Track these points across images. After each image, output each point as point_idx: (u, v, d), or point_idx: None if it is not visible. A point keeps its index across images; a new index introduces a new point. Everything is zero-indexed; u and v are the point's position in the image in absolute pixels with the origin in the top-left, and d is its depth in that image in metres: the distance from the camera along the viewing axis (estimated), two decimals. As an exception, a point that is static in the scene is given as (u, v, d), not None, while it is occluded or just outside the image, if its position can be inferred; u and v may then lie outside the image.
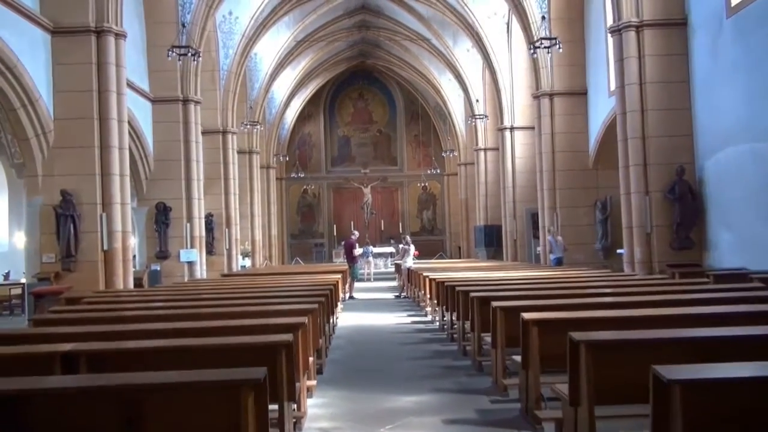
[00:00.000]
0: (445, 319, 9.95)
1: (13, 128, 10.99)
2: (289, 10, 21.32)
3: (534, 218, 19.08)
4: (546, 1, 16.37)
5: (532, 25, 16.42)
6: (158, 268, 15.19)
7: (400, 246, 19.28)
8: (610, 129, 15.02)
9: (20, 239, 17.61)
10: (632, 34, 11.97)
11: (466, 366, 7.28)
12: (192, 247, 15.88)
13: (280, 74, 25.18)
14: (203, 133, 17.01)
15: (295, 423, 4.84)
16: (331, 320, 9.56)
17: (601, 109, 15.94)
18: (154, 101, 15.75)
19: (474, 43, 21.35)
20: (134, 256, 14.33)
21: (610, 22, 13.04)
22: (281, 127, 30.69)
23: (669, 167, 11.76)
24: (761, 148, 10.09)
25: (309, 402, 5.71)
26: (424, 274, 12.70)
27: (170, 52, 14.11)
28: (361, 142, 34.05)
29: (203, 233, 16.63)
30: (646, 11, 11.90)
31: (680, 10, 11.96)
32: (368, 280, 22.64)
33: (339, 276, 13.06)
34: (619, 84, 12.32)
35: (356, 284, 17.62)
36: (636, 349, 3.65)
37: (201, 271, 16.29)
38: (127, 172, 11.99)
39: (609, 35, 12.91)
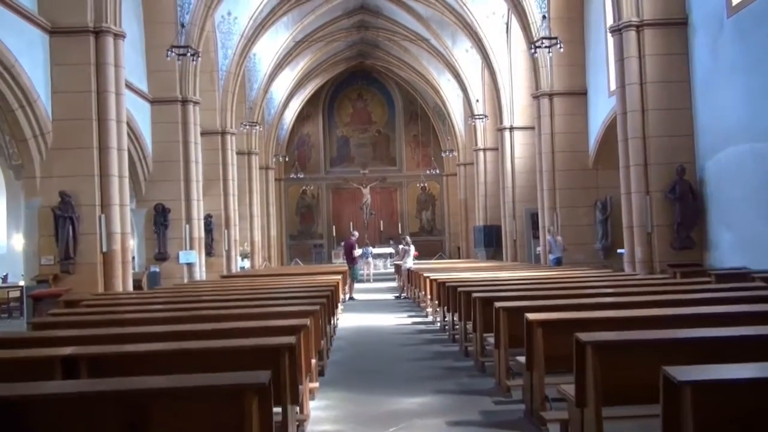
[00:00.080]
0: (446, 319, 9.91)
1: (11, 129, 10.94)
2: (288, 11, 21.28)
3: (533, 218, 19.06)
4: (545, 1, 16.35)
5: (531, 25, 16.40)
6: (157, 270, 15.14)
7: (400, 247, 19.24)
8: (609, 129, 15.00)
9: (18, 241, 17.56)
10: (632, 33, 11.95)
11: (468, 367, 7.25)
12: (191, 248, 15.83)
13: (278, 75, 25.14)
14: (202, 134, 16.97)
15: (298, 426, 4.80)
16: (332, 321, 9.51)
17: (600, 109, 15.92)
18: (152, 102, 15.70)
19: (473, 43, 21.32)
20: (133, 258, 14.28)
21: (610, 21, 13.02)
22: (280, 127, 30.65)
23: (669, 167, 11.74)
24: (762, 147, 10.08)
25: (311, 404, 5.66)
26: (425, 274, 12.66)
27: (169, 53, 14.06)
28: (360, 143, 34.01)
29: (202, 234, 16.58)
30: (647, 11, 11.88)
31: (680, 10, 11.94)
32: (368, 281, 22.60)
33: (339, 277, 13.02)
34: (619, 84, 12.30)
35: (356, 285, 17.57)
36: (643, 349, 3.62)
37: (200, 273, 16.24)
38: (126, 173, 11.94)
39: (609, 35, 12.89)
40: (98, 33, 11.33)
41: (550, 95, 16.79)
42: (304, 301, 7.05)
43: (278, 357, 3.92)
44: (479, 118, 23.72)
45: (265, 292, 8.95)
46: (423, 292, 13.08)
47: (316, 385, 6.14)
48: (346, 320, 12.06)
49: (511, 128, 20.65)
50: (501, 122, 20.97)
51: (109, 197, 11.33)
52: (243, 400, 2.79)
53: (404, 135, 34.01)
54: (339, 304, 12.21)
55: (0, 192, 19.24)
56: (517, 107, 20.62)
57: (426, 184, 33.54)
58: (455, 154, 30.06)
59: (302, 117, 33.09)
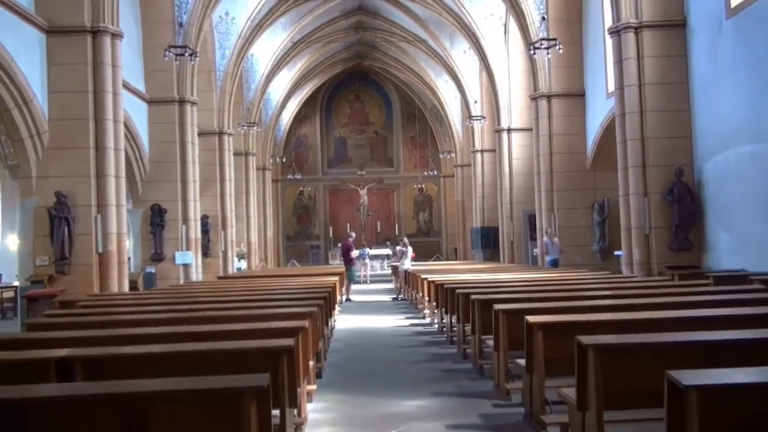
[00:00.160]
0: (444, 321, 9.88)
1: (7, 129, 10.87)
2: (286, 11, 21.24)
3: (531, 220, 19.03)
4: (544, 3, 16.34)
5: (530, 26, 16.39)
6: (153, 271, 15.07)
7: (398, 248, 19.19)
8: (608, 131, 14.99)
9: (13, 241, 17.46)
10: (631, 35, 11.94)
11: (467, 369, 7.21)
12: (187, 249, 15.77)
13: (276, 75, 25.09)
14: (199, 134, 16.90)
15: (295, 429, 4.75)
16: (329, 323, 9.47)
17: (599, 110, 15.91)
18: (149, 102, 15.64)
19: (471, 44, 21.31)
20: (129, 259, 14.20)
21: (608, 23, 13.02)
22: (277, 128, 30.59)
23: (668, 169, 11.73)
24: (760, 149, 10.07)
25: (309, 407, 5.62)
26: (423, 276, 12.62)
27: (167, 52, 14.00)
28: (358, 144, 33.97)
29: (199, 235, 16.51)
30: (645, 12, 11.88)
31: (679, 11, 11.94)
32: (365, 282, 22.55)
33: (336, 278, 12.98)
34: (618, 85, 12.29)
35: (353, 286, 17.52)
36: (645, 353, 3.59)
37: (196, 274, 16.17)
38: (123, 173, 11.88)
39: (608, 36, 12.88)
40: (95, 33, 11.28)
41: (548, 97, 16.78)
42: (301, 303, 7.00)
43: (277, 359, 3.87)
44: (477, 120, 23.70)
45: (263, 293, 8.90)
46: (420, 294, 13.05)
47: (313, 387, 6.09)
48: (343, 322, 12.01)
49: (509, 130, 20.64)
50: (499, 124, 20.96)
51: (105, 197, 11.27)
52: (242, 404, 2.75)
53: (401, 136, 33.99)
54: (336, 306, 12.16)
55: (-5, 192, 19.13)
56: (515, 109, 20.62)
57: (423, 186, 33.52)
58: (453, 155, 30.05)
59: (300, 118, 33.04)
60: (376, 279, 23.98)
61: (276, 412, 3.91)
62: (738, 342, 3.63)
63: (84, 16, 11.17)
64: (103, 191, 11.26)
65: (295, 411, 4.75)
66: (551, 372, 4.72)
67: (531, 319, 4.75)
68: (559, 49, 14.34)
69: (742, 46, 10.41)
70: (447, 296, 8.91)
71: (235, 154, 20.97)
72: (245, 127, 22.92)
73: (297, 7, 21.68)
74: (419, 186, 33.43)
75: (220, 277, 16.45)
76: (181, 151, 15.73)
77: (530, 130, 18.37)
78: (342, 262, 19.38)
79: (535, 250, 18.13)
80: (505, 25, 20.25)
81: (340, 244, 21.09)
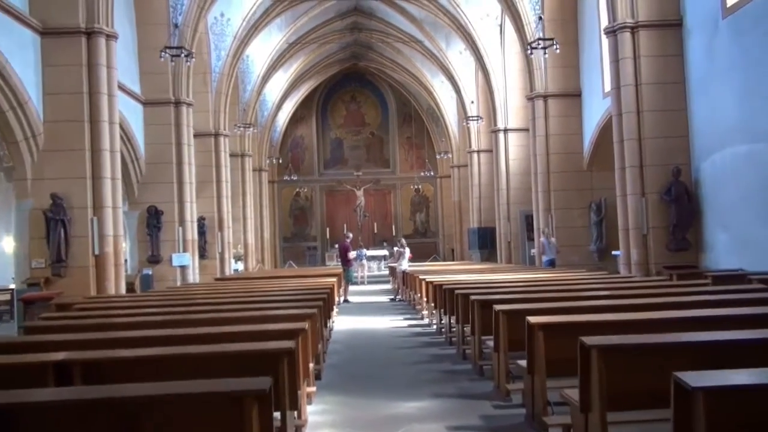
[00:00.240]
0: (442, 322, 9.85)
1: (2, 131, 10.79)
2: (281, 12, 21.19)
3: (528, 220, 19.03)
4: (539, 3, 16.35)
5: (525, 27, 16.39)
6: (150, 273, 14.99)
7: (395, 249, 19.16)
8: (604, 131, 15.00)
9: (9, 244, 17.34)
10: (627, 35, 11.94)
11: (467, 370, 7.18)
12: (184, 251, 15.70)
13: (272, 76, 25.03)
14: (195, 135, 16.83)
15: (296, 431, 4.71)
16: (328, 324, 9.43)
17: (595, 110, 15.92)
18: (145, 104, 15.57)
19: (467, 44, 21.31)
20: (126, 261, 14.13)
21: (604, 23, 13.02)
22: (273, 129, 30.52)
23: (665, 168, 11.73)
24: (757, 148, 10.08)
25: (309, 409, 5.58)
26: (421, 277, 12.59)
27: (163, 53, 13.93)
28: (354, 145, 33.93)
29: (195, 237, 16.44)
30: (641, 12, 11.88)
31: (675, 11, 11.95)
32: (362, 283, 22.51)
33: (334, 279, 12.94)
34: (614, 85, 12.28)
35: (350, 287, 17.49)
36: (649, 353, 3.56)
37: (193, 275, 16.10)
38: (119, 175, 11.81)
39: (604, 36, 12.89)
40: (90, 34, 11.21)
41: (545, 97, 16.77)
42: (300, 304, 6.97)
43: (277, 362, 3.84)
44: (474, 120, 23.69)
45: (261, 295, 8.86)
46: (419, 295, 13.02)
47: (313, 389, 6.06)
48: (341, 323, 11.98)
49: (506, 130, 20.64)
50: (495, 124, 20.96)
51: (101, 199, 11.20)
52: (243, 407, 2.72)
53: (398, 137, 33.97)
54: (334, 307, 12.11)
55: (-10, 194, 19.01)
56: (511, 109, 20.62)
57: (420, 186, 33.50)
58: (449, 156, 30.04)
59: (296, 119, 32.98)
60: (374, 280, 23.94)
61: (276, 414, 3.88)
62: (742, 342, 3.62)
63: (78, 18, 11.10)
64: (99, 193, 11.19)
65: (295, 413, 4.72)
66: (552, 373, 4.69)
67: (532, 319, 4.72)
68: (556, 48, 14.33)
69: (738, 46, 10.42)
70: (446, 297, 8.88)
71: (232, 155, 20.91)
72: (241, 129, 22.86)
73: (292, 8, 21.64)
74: (416, 187, 33.41)
75: (217, 279, 16.40)
76: (177, 152, 15.66)
77: (527, 130, 18.37)
78: (339, 263, 19.32)
79: (533, 251, 18.12)
80: (501, 25, 20.25)
81: (337, 245, 21.03)
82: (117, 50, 11.81)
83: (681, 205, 11.59)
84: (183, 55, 14.30)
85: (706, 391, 2.47)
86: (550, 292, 7.67)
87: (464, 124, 24.88)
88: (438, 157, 32.40)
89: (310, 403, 5.78)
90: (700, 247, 11.70)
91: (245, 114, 23.46)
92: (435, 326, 10.66)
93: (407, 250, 17.21)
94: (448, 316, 9.06)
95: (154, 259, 15.25)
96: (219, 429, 2.78)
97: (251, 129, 23.74)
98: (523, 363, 5.03)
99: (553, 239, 15.98)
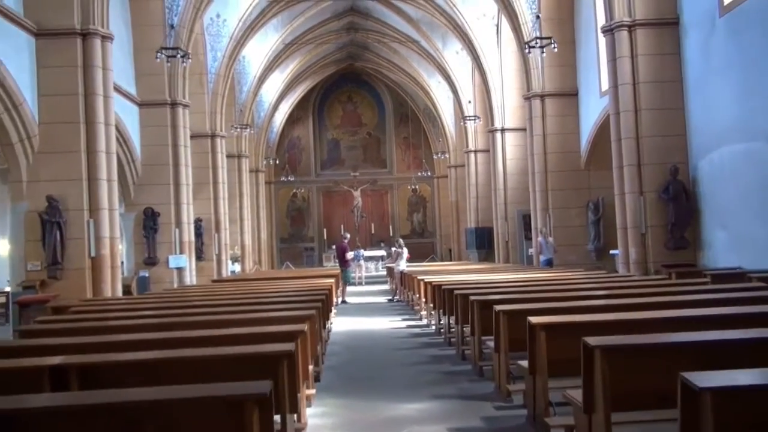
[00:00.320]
0: (441, 322, 9.81)
1: (-3, 133, 10.72)
2: (277, 13, 21.14)
3: (525, 220, 19.01)
4: (536, 2, 16.33)
5: (522, 26, 16.38)
6: (147, 275, 14.92)
7: (393, 249, 19.10)
8: (601, 129, 15.00)
9: (4, 246, 17.25)
10: (625, 33, 11.93)
11: (467, 371, 7.14)
12: (181, 252, 15.64)
13: (268, 77, 24.97)
14: (191, 137, 16.78)
15: (295, 434, 4.67)
16: (326, 326, 9.38)
17: (592, 109, 15.91)
18: (141, 105, 15.50)
19: (463, 44, 21.29)
20: (122, 263, 14.06)
21: (601, 22, 13.00)
22: (270, 130, 30.45)
23: (663, 167, 11.72)
24: (755, 146, 10.07)
25: (308, 411, 5.53)
26: (419, 277, 12.55)
27: (159, 54, 13.87)
28: (351, 145, 33.89)
29: (192, 238, 16.38)
30: (639, 11, 11.87)
31: (672, 10, 11.94)
32: (359, 284, 22.45)
33: (332, 280, 12.90)
34: (612, 84, 12.27)
35: (348, 288, 17.43)
36: (653, 353, 3.53)
37: (190, 277, 16.04)
38: (115, 177, 11.75)
39: (601, 35, 12.87)
40: (85, 35, 11.15)
41: (542, 96, 16.77)
42: (298, 306, 6.91)
43: (277, 364, 3.79)
44: (471, 120, 23.67)
45: (258, 296, 8.81)
46: (417, 295, 12.98)
47: (312, 391, 6.01)
48: (339, 324, 11.92)
49: (503, 130, 20.62)
50: (492, 124, 20.94)
51: (97, 201, 11.14)
52: (243, 411, 2.67)
53: (394, 137, 33.94)
54: (332, 308, 12.06)
55: (-15, 197, 18.90)
56: (508, 108, 20.60)
57: (417, 187, 33.47)
58: (446, 156, 30.02)
59: (292, 120, 32.93)
60: (371, 281, 23.89)
61: (276, 417, 3.83)
62: (747, 342, 3.58)
63: (74, 19, 11.04)
64: (95, 195, 11.12)
65: (295, 416, 4.67)
66: (554, 373, 4.66)
67: (534, 320, 4.69)
68: (554, 47, 14.31)
69: (735, 44, 10.42)
70: (445, 297, 8.84)
71: (228, 156, 20.84)
72: (238, 130, 22.79)
73: (288, 8, 21.58)
74: (413, 187, 33.38)
75: (214, 281, 16.33)
76: (173, 154, 15.60)
77: (524, 129, 18.36)
78: (337, 264, 19.26)
79: (530, 250, 18.10)
80: (498, 25, 20.24)
81: (334, 246, 20.98)
82: (113, 51, 11.74)
83: (679, 204, 11.58)
84: (179, 55, 14.23)
85: (713, 391, 2.44)
86: (550, 292, 7.64)
87: (461, 124, 24.86)
88: (435, 157, 32.38)
89: (309, 405, 5.73)
90: (699, 245, 11.70)
91: (242, 115, 23.39)
92: (434, 327, 10.62)
93: (405, 251, 17.16)
94: (447, 316, 9.02)
95: (151, 261, 15.19)
96: (219, 433, 2.73)
97: (248, 130, 23.68)
98: (524, 363, 4.99)
99: (550, 239, 15.97)
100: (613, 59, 12.14)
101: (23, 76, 10.63)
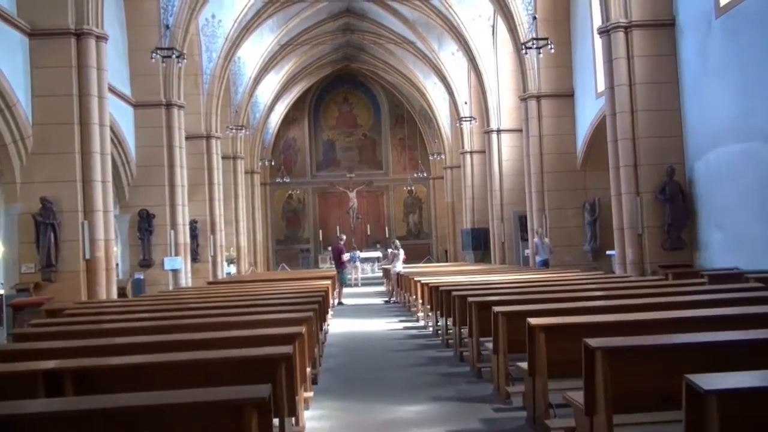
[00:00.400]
0: (438, 324, 9.78)
1: (-10, 134, 10.62)
2: (273, 14, 21.07)
3: (521, 221, 19.01)
4: (532, 3, 16.33)
5: (518, 27, 16.38)
6: (142, 277, 14.83)
7: (389, 251, 19.08)
8: (597, 130, 15.00)
9: (-2, 249, 17.12)
10: (621, 35, 11.93)
11: (465, 372, 7.11)
12: (176, 254, 15.54)
13: (264, 78, 24.89)
14: (187, 138, 16.67)
15: (293, 438, 4.62)
16: (323, 328, 9.33)
17: (588, 110, 15.92)
18: (136, 106, 15.40)
19: (459, 45, 21.28)
20: (117, 265, 13.96)
21: (598, 23, 13.01)
22: (265, 131, 30.36)
23: (659, 168, 11.73)
24: (751, 147, 10.08)
25: (306, 414, 5.49)
26: (416, 278, 12.51)
27: (154, 54, 13.78)
28: (346, 147, 33.83)
29: (188, 240, 16.28)
30: (635, 12, 11.87)
31: (668, 11, 11.95)
32: (356, 285, 22.41)
33: (328, 282, 12.85)
34: (608, 85, 12.27)
35: (344, 290, 17.38)
36: (655, 355, 3.50)
37: (186, 279, 15.94)
38: (110, 178, 11.65)
39: (597, 36, 12.87)
40: (80, 35, 11.06)
41: (538, 97, 16.76)
42: (295, 308, 6.86)
43: (275, 367, 3.75)
44: (467, 121, 23.65)
45: (255, 298, 8.75)
46: (414, 297, 12.94)
47: (310, 394, 5.96)
48: (336, 326, 11.87)
49: (498, 131, 20.61)
50: (488, 125, 20.93)
51: (92, 203, 11.04)
52: (243, 416, 2.63)
53: (390, 138, 33.90)
54: (329, 310, 12.02)
55: (-22, 199, 18.76)
56: (504, 109, 20.60)
57: (413, 188, 33.44)
58: (442, 157, 29.99)
59: (288, 121, 32.84)
60: (367, 282, 23.84)
61: (274, 421, 3.78)
62: (750, 343, 3.56)
63: (68, 19, 10.94)
64: (89, 197, 11.03)
65: (293, 419, 4.62)
66: (554, 374, 4.63)
67: (533, 321, 4.65)
68: (551, 48, 14.30)
69: (731, 45, 10.43)
70: (442, 299, 8.81)
71: (223, 157, 20.75)
72: (233, 131, 22.71)
73: (284, 9, 21.52)
74: (409, 188, 33.35)
75: (210, 283, 16.24)
76: (168, 155, 15.50)
77: (520, 131, 18.35)
78: (333, 266, 19.20)
79: (527, 251, 18.09)
80: (493, 26, 20.23)
81: (330, 248, 20.93)
82: (107, 52, 11.66)
83: (675, 204, 11.58)
84: (174, 56, 14.15)
85: (719, 394, 2.41)
86: (548, 293, 7.61)
87: (457, 125, 24.84)
88: (431, 158, 32.35)
89: (307, 408, 5.68)
90: (695, 245, 11.70)
91: (237, 116, 23.31)
92: (431, 328, 10.58)
93: (401, 252, 17.13)
94: (444, 318, 8.99)
95: (146, 263, 15.09)
96: (217, 438, 2.68)
97: (243, 131, 23.60)
98: (523, 365, 4.96)
99: (546, 239, 15.96)
100: (609, 60, 12.14)
101: (17, 76, 10.53)
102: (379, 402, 5.96)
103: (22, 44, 10.76)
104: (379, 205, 33.67)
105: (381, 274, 23.48)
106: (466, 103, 24.07)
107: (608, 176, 12.60)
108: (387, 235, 31.42)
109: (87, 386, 3.59)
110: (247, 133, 25.05)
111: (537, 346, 4.64)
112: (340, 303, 16.16)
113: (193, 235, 17.55)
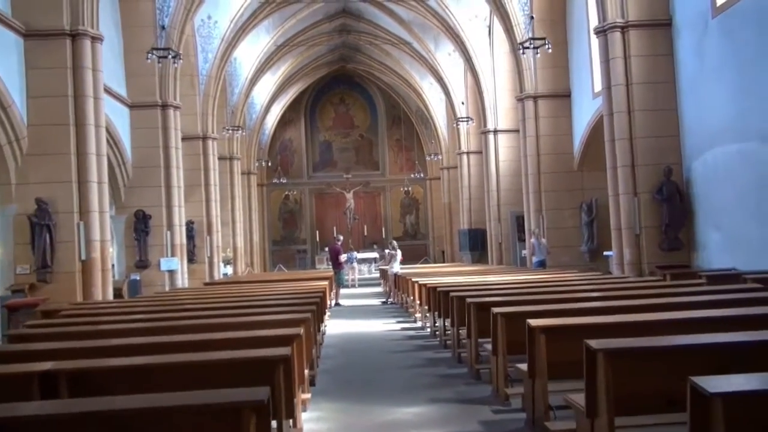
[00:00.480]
0: (436, 325, 9.74)
1: (-15, 135, 10.55)
2: (269, 14, 21.02)
3: (518, 221, 19.00)
4: (528, 4, 16.33)
5: (515, 27, 16.37)
6: (138, 278, 14.76)
7: (387, 251, 19.04)
8: (594, 131, 15.00)
9: (-7, 250, 17.02)
10: (617, 34, 11.93)
11: (463, 374, 7.07)
12: (173, 255, 15.49)
13: (260, 79, 24.84)
14: (183, 139, 16.63)
15: (292, 440, 4.58)
16: (321, 329, 9.29)
17: (585, 110, 15.92)
18: (131, 107, 15.35)
19: (456, 46, 21.26)
20: (113, 266, 13.90)
21: (594, 23, 13.00)
22: (262, 132, 30.30)
23: (657, 168, 11.72)
24: (748, 147, 10.08)
25: (304, 416, 5.45)
26: (413, 279, 12.48)
27: (150, 54, 13.72)
28: (343, 147, 33.79)
29: (184, 241, 16.23)
30: (631, 12, 11.87)
31: (665, 11, 11.95)
32: (353, 286, 22.36)
33: (326, 283, 12.80)
34: (605, 85, 12.26)
35: (341, 290, 17.34)
36: (657, 356, 3.47)
37: (182, 280, 15.89)
38: (105, 179, 11.60)
39: (594, 36, 12.88)
40: (75, 36, 11.01)
41: (534, 98, 16.76)
42: (293, 309, 6.82)
43: (273, 369, 3.71)
44: (464, 121, 23.64)
45: (252, 299, 8.70)
46: (411, 297, 12.91)
47: (308, 396, 5.92)
48: (333, 327, 11.83)
49: (495, 131, 20.60)
50: (485, 125, 20.91)
51: (87, 204, 10.99)
52: (241, 419, 2.59)
53: (387, 139, 33.87)
54: (326, 311, 11.97)
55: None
56: (501, 110, 20.59)
57: (410, 188, 33.42)
58: (439, 157, 29.97)
59: (284, 122, 32.79)
60: (365, 283, 23.80)
61: (272, 423, 3.74)
62: (752, 344, 3.53)
63: (63, 20, 10.89)
64: (85, 197, 10.98)
65: (291, 421, 4.58)
66: (553, 376, 4.60)
67: (533, 322, 4.62)
68: (548, 48, 14.29)
69: (728, 45, 10.43)
70: (440, 300, 8.78)
71: (220, 158, 20.68)
72: (229, 131, 22.66)
73: (280, 10, 21.48)
74: (406, 189, 33.33)
75: (206, 284, 16.18)
76: (164, 156, 15.46)
77: (517, 131, 18.34)
78: (330, 267, 19.15)
79: (524, 252, 18.07)
80: (490, 26, 20.23)
81: (327, 248, 20.86)
82: (102, 53, 11.61)
83: (673, 205, 11.58)
84: (170, 56, 14.09)
85: (725, 396, 2.38)
86: (547, 294, 7.59)
87: (454, 125, 24.83)
88: (427, 158, 32.34)
89: (305, 410, 5.64)
90: (693, 246, 11.70)
91: (233, 117, 23.25)
92: (428, 329, 10.55)
93: (399, 253, 17.09)
94: (442, 319, 8.96)
95: (142, 264, 15.03)
96: (215, 442, 2.64)
97: (239, 132, 23.54)
98: (523, 366, 4.92)
99: (543, 240, 15.94)
100: (606, 60, 12.14)
101: (12, 77, 10.47)
102: (377, 404, 5.92)
103: (17, 45, 10.70)
104: (376, 205, 33.63)
105: (378, 275, 23.44)
106: (462, 103, 24.05)
107: (605, 176, 12.60)
108: (384, 236, 31.38)
109: (82, 388, 3.55)
110: (244, 134, 24.99)
111: (537, 348, 4.61)
112: (337, 304, 16.11)
113: (190, 236, 17.49)
